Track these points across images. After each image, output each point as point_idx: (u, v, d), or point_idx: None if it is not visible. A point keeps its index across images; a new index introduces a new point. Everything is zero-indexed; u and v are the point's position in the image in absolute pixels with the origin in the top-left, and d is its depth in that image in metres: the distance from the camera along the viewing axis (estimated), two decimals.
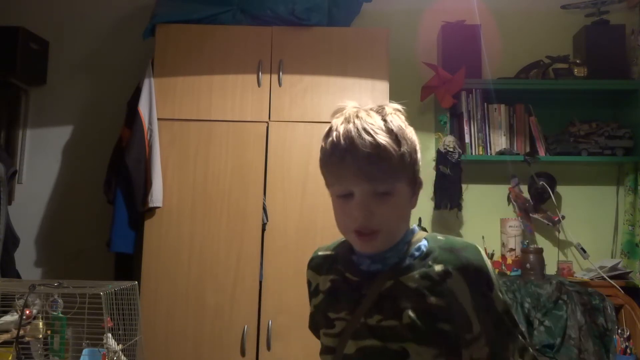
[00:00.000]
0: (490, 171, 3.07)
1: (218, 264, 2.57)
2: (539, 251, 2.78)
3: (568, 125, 2.98)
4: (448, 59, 2.99)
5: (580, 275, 2.86)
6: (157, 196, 2.57)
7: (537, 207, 2.97)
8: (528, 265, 2.72)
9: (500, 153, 2.95)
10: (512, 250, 2.90)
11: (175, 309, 2.54)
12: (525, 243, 2.89)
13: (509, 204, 3.05)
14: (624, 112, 3.02)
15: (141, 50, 3.00)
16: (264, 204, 2.59)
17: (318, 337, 1.15)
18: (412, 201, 1.05)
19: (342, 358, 1.02)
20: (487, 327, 0.99)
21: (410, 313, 0.97)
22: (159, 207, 2.58)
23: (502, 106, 3.00)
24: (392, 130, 0.99)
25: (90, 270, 2.96)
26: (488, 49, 3.05)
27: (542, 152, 2.94)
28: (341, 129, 1.00)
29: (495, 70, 3.04)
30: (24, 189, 3.13)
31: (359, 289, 1.03)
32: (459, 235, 3.06)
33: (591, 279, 2.75)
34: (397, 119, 1.02)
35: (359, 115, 1.02)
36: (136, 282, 1.98)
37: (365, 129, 0.98)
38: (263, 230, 2.59)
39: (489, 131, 2.98)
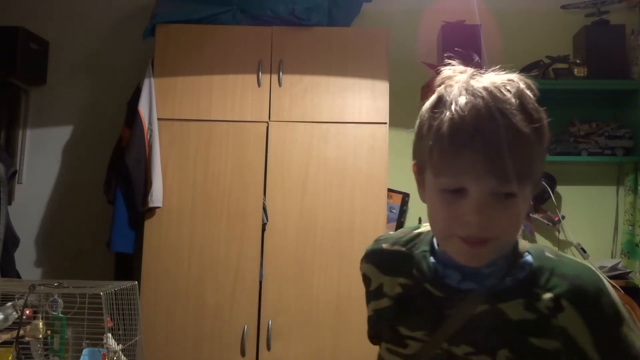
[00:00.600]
0: None
1: (218, 264, 2.57)
2: None
3: (568, 125, 2.97)
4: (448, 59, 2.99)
5: None
6: (157, 196, 2.57)
7: (537, 207, 2.97)
8: None
9: None
10: None
11: (175, 309, 2.54)
12: None
13: None
14: (624, 112, 3.02)
15: (141, 50, 3.00)
16: (264, 204, 2.59)
17: (376, 343, 0.94)
18: (527, 205, 0.80)
19: None
20: None
21: (509, 354, 0.76)
22: (159, 207, 2.58)
23: None
24: (531, 115, 0.76)
25: (90, 270, 2.96)
26: (488, 49, 3.04)
27: None
28: (463, 102, 0.74)
29: (495, 70, 3.03)
30: (24, 189, 3.13)
31: (442, 307, 0.82)
32: None
33: None
34: (534, 101, 0.79)
35: (488, 88, 0.76)
36: (136, 282, 1.98)
37: (499, 109, 0.73)
38: (263, 230, 2.59)
39: None
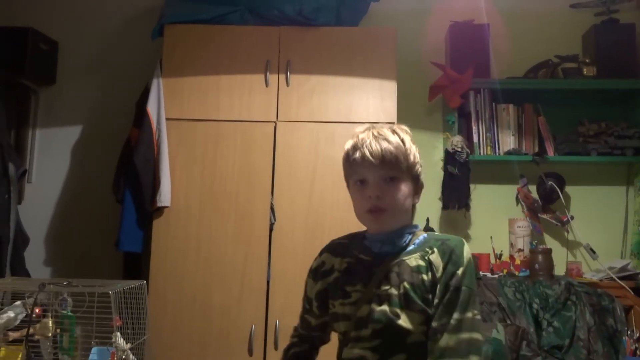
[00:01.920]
0: (498, 171, 3.06)
1: (225, 264, 2.57)
2: (548, 252, 2.76)
3: (577, 125, 2.96)
4: (456, 59, 2.99)
5: (589, 276, 2.84)
6: (165, 196, 2.58)
7: (546, 207, 2.96)
8: (537, 266, 2.71)
9: (509, 153, 2.94)
10: (520, 250, 2.89)
11: (182, 309, 2.55)
12: (534, 243, 2.87)
13: (517, 204, 3.03)
14: (633, 112, 3.00)
15: (149, 50, 3.01)
16: (271, 203, 2.60)
17: (312, 313, 1.40)
18: (415, 198, 1.32)
19: (357, 320, 1.26)
20: (440, 295, 1.23)
21: (407, 284, 1.24)
22: (167, 207, 2.60)
23: (511, 106, 2.99)
24: (400, 136, 1.29)
25: (99, 269, 2.98)
26: (496, 48, 3.04)
27: (550, 152, 2.93)
28: (361, 135, 1.30)
29: (504, 70, 3.03)
30: (33, 188, 3.16)
31: (371, 267, 1.29)
32: (467, 235, 3.05)
33: (600, 280, 2.73)
34: (405, 134, 1.31)
35: (375, 127, 1.31)
36: (144, 281, 1.99)
37: (379, 134, 1.28)
38: (270, 230, 2.59)
39: (497, 131, 2.97)
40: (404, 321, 1.21)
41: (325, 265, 1.38)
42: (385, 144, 1.26)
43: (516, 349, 2.37)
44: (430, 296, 1.22)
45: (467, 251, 1.26)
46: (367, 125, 1.33)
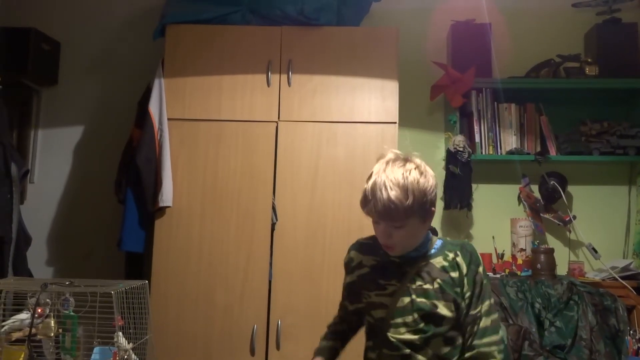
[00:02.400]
0: (500, 171, 3.05)
1: (227, 264, 2.58)
2: (550, 251, 2.76)
3: (579, 124, 2.95)
4: (458, 58, 2.98)
5: (591, 275, 2.84)
6: (167, 196, 2.58)
7: (548, 207, 2.95)
8: (539, 266, 2.71)
9: (511, 152, 2.93)
10: (522, 250, 2.88)
11: (185, 308, 2.55)
12: (536, 243, 2.87)
13: (519, 204, 3.03)
14: (636, 111, 2.99)
15: (151, 50, 3.01)
16: (273, 203, 2.60)
17: (348, 299, 1.67)
18: (426, 224, 1.50)
19: (397, 309, 1.50)
20: (470, 289, 1.49)
21: (439, 280, 1.49)
22: (169, 207, 2.60)
23: (513, 105, 2.99)
24: (405, 186, 1.40)
25: (101, 269, 2.98)
26: (498, 47, 3.03)
27: (553, 152, 2.92)
28: (372, 181, 1.44)
29: (506, 69, 3.02)
30: (35, 188, 3.16)
31: (401, 267, 1.53)
32: (470, 235, 3.06)
33: (602, 280, 2.73)
34: (415, 173, 1.42)
35: (386, 170, 1.43)
36: (146, 281, 1.99)
37: (385, 184, 1.41)
38: (272, 229, 2.59)
39: (499, 130, 2.97)
40: (441, 309, 1.47)
41: (354, 261, 1.62)
42: (392, 196, 1.39)
43: (518, 349, 2.37)
44: (459, 289, 1.48)
45: (477, 255, 1.53)
46: (384, 160, 1.46)
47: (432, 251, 1.53)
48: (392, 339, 1.49)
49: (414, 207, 1.41)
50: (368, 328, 1.60)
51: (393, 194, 1.39)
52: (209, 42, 2.71)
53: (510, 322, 2.47)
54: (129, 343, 1.79)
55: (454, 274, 1.49)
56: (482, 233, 3.02)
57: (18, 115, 3.13)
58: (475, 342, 1.47)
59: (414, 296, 1.49)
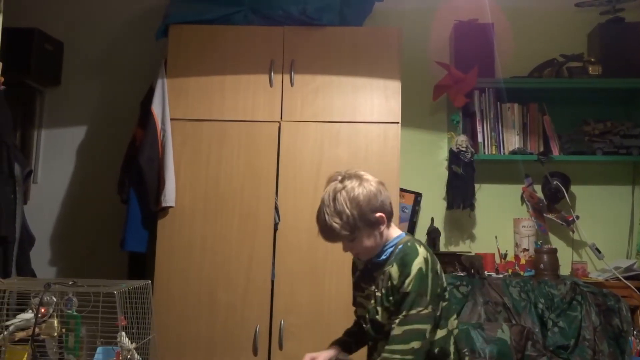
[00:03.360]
0: (503, 171, 3.05)
1: (230, 264, 2.58)
2: (553, 251, 2.76)
3: (582, 124, 2.95)
4: (461, 58, 2.98)
5: (594, 275, 2.84)
6: (170, 196, 2.58)
7: (551, 207, 2.95)
8: (542, 266, 2.70)
9: (514, 152, 2.93)
10: (525, 250, 2.88)
11: (187, 308, 2.56)
12: (539, 243, 2.87)
13: (522, 204, 3.03)
14: (639, 111, 2.98)
15: (154, 50, 3.02)
16: (275, 203, 2.60)
17: (353, 300, 1.83)
18: (379, 230, 1.63)
19: (367, 311, 1.68)
20: (396, 299, 1.60)
21: (383, 289, 1.63)
22: (171, 207, 2.60)
23: (516, 105, 2.98)
24: (337, 210, 1.57)
25: (104, 269, 2.99)
26: (501, 47, 3.03)
27: (556, 152, 2.92)
28: (319, 206, 1.63)
29: (509, 69, 3.02)
30: (39, 188, 3.17)
31: (371, 271, 1.71)
32: (472, 235, 3.05)
33: (606, 280, 2.72)
34: (346, 192, 1.58)
35: (323, 196, 1.62)
36: (149, 281, 1.99)
37: (320, 210, 1.61)
38: (275, 229, 2.59)
39: (502, 130, 2.96)
40: (380, 316, 1.63)
41: (354, 265, 1.84)
42: (327, 220, 1.57)
43: (521, 349, 2.36)
44: (392, 298, 1.61)
45: (419, 261, 1.58)
46: (331, 183, 1.62)
47: (392, 258, 1.64)
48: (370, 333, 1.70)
49: (350, 224, 1.56)
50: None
51: (327, 218, 1.56)
52: (212, 42, 2.71)
53: (514, 322, 2.46)
54: (132, 343, 1.79)
55: (390, 283, 1.61)
56: (485, 233, 3.02)
57: (21, 116, 3.13)
58: (385, 347, 1.57)
59: (372, 301, 1.66)
